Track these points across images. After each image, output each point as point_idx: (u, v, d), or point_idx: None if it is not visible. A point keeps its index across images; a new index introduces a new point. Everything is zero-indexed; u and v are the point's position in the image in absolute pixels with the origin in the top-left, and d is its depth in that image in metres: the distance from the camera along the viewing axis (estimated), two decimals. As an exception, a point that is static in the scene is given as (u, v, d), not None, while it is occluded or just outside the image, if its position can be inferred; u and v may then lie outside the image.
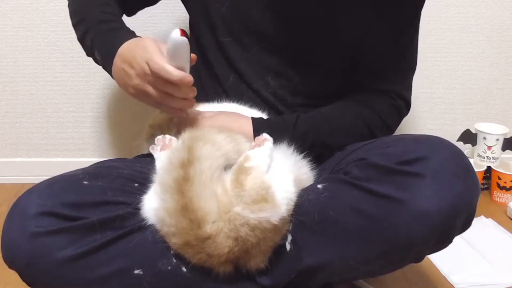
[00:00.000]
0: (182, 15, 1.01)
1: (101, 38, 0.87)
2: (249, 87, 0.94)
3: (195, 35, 1.00)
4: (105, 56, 0.84)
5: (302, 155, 0.81)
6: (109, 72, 0.84)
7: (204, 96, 0.96)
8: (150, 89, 0.77)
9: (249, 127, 0.84)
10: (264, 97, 0.93)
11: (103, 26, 0.87)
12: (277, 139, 0.79)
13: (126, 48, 0.80)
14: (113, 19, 0.90)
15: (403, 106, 0.95)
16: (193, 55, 0.78)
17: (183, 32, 0.72)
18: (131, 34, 0.85)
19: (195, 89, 0.78)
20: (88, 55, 0.93)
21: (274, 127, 0.85)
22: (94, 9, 0.90)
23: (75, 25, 0.93)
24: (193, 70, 1.03)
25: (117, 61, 0.81)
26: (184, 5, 1.01)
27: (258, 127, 0.84)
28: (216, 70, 0.95)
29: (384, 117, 0.92)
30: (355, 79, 0.96)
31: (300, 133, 0.86)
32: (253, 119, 0.86)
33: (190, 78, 0.74)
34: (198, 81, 0.99)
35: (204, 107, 0.90)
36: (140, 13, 1.06)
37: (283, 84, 0.93)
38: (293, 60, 0.92)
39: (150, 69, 0.74)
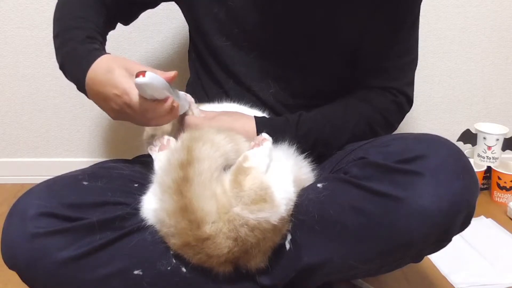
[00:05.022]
0: (182, 16, 1.01)
1: (70, 62, 0.84)
2: (249, 89, 0.94)
3: (194, 40, 1.00)
4: (76, 81, 0.81)
5: (303, 155, 0.81)
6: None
7: (205, 96, 0.96)
8: (131, 117, 0.75)
9: (251, 127, 0.84)
10: (265, 99, 0.94)
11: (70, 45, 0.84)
12: (279, 138, 0.79)
13: (95, 78, 0.76)
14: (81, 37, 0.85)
15: (405, 102, 0.95)
16: (172, 73, 0.73)
17: (142, 73, 0.67)
18: (91, 56, 0.79)
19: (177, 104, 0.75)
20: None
21: (276, 126, 0.85)
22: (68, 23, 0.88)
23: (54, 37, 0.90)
24: (193, 72, 1.03)
25: (90, 90, 0.78)
26: (182, 10, 1.00)
27: (260, 126, 0.84)
28: (215, 74, 0.95)
29: (385, 114, 0.92)
30: (355, 78, 0.96)
31: (302, 132, 0.86)
32: (256, 118, 0.86)
33: (169, 102, 0.72)
34: (199, 83, 0.99)
35: (205, 107, 0.90)
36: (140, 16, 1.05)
37: (284, 86, 0.93)
38: (293, 62, 0.92)
39: (134, 107, 0.72)
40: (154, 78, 0.68)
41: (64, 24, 0.88)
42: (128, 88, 0.72)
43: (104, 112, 0.79)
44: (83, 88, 0.80)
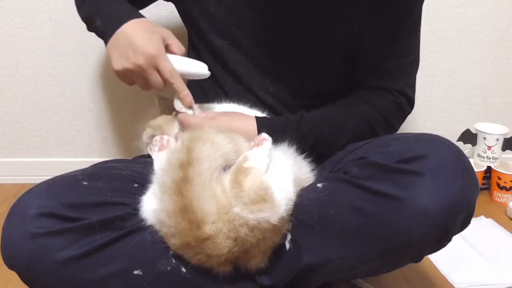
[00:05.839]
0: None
1: (107, 7, 0.88)
2: (248, 89, 0.94)
3: (193, 39, 1.00)
4: (108, 27, 0.85)
5: (303, 155, 0.81)
6: (106, 40, 0.85)
7: (204, 97, 0.96)
8: (137, 79, 0.83)
9: (252, 127, 0.84)
10: (264, 99, 0.93)
11: None
12: (280, 139, 0.79)
13: (132, 31, 0.81)
14: None
15: (405, 102, 0.95)
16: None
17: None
18: (136, 12, 0.87)
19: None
20: (84, 20, 0.95)
21: (276, 126, 0.85)
22: None
23: None
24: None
25: (120, 36, 0.82)
26: (178, 10, 1.00)
27: (261, 126, 0.84)
28: (215, 73, 0.95)
29: (385, 114, 0.92)
30: (355, 78, 0.96)
31: (303, 132, 0.86)
32: (256, 118, 0.85)
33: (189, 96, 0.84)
34: (197, 83, 0.99)
35: (206, 108, 0.90)
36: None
37: (283, 86, 0.93)
38: (292, 62, 0.92)
39: (161, 71, 0.80)
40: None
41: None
42: (163, 54, 0.80)
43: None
44: (110, 28, 0.83)
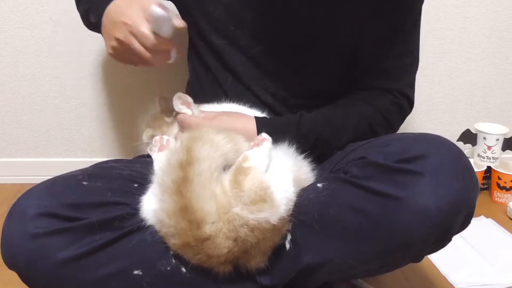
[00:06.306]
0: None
1: (97, 1, 0.90)
2: (248, 89, 0.94)
3: (192, 38, 1.00)
4: (97, 17, 0.87)
5: (303, 155, 0.81)
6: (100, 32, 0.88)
7: (204, 97, 0.96)
8: (128, 55, 0.82)
9: (251, 127, 0.84)
10: (264, 99, 0.93)
11: None
12: (280, 138, 0.79)
13: (112, 8, 0.83)
14: None
15: (406, 103, 0.95)
16: (182, 22, 0.81)
17: (161, 6, 0.78)
18: None
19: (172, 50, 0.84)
20: (82, 19, 0.99)
21: (276, 126, 0.85)
22: None
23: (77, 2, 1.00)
24: (193, 72, 1.03)
25: (105, 19, 0.84)
26: (178, 9, 1.00)
27: (261, 126, 0.84)
28: (215, 73, 0.95)
29: (385, 114, 0.92)
30: (356, 78, 0.96)
31: (303, 132, 0.86)
32: (256, 118, 0.85)
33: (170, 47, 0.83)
34: (198, 82, 0.99)
35: (205, 108, 0.90)
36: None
37: (283, 86, 0.93)
38: (292, 62, 0.92)
39: (137, 38, 0.79)
40: (167, 15, 0.78)
41: None
42: (139, 20, 0.78)
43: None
44: (99, 17, 0.85)
